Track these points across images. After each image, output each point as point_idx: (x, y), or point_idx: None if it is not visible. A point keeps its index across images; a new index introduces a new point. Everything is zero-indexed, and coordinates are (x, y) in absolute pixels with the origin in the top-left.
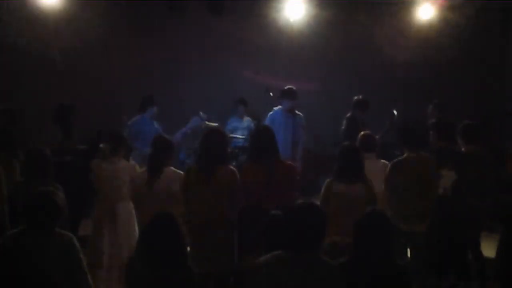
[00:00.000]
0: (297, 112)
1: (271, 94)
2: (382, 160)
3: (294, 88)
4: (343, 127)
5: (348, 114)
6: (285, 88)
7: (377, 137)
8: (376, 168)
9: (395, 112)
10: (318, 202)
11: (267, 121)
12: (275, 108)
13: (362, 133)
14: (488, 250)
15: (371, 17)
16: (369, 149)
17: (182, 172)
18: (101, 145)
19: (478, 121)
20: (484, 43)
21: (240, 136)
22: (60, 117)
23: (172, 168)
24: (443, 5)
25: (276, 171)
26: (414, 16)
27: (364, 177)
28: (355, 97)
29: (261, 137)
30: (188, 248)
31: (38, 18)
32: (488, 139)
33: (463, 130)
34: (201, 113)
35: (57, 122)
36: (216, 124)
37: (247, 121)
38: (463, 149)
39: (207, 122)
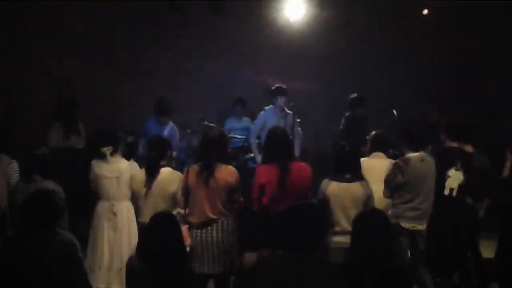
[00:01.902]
0: (287, 110)
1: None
2: (392, 160)
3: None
4: (341, 127)
5: (347, 113)
6: (276, 86)
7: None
8: (386, 167)
9: (395, 112)
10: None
11: (258, 121)
12: (266, 108)
13: (373, 132)
14: (488, 250)
15: (371, 17)
16: (379, 148)
17: (179, 173)
18: (101, 149)
19: (477, 122)
20: (484, 43)
21: (239, 136)
22: (62, 113)
23: (169, 168)
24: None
25: (290, 171)
26: (414, 16)
27: (361, 176)
28: (350, 96)
29: (275, 138)
30: (188, 249)
31: (38, 18)
32: (488, 139)
33: (447, 127)
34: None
35: (59, 118)
36: (213, 125)
37: (245, 121)
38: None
39: (206, 122)
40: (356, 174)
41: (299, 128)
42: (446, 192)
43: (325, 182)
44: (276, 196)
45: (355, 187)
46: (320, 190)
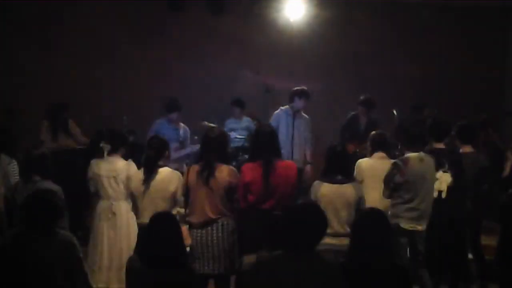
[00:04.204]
0: (303, 113)
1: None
2: (393, 160)
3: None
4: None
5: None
6: (299, 88)
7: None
8: (387, 168)
9: (395, 112)
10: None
11: (272, 120)
12: (282, 108)
13: (374, 132)
14: (488, 250)
15: (371, 17)
16: (380, 149)
17: (178, 173)
18: (101, 144)
19: (476, 122)
20: (484, 43)
21: (239, 136)
22: (51, 116)
23: (168, 168)
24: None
25: (275, 170)
26: (414, 16)
27: (352, 178)
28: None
29: (261, 136)
30: (188, 249)
31: (38, 18)
32: (487, 139)
33: (458, 131)
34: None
35: (48, 118)
36: (214, 125)
37: (246, 121)
38: (460, 150)
39: (206, 123)
40: (347, 176)
41: (311, 133)
42: (435, 194)
43: (316, 183)
44: (261, 194)
45: (347, 189)
46: (311, 191)
